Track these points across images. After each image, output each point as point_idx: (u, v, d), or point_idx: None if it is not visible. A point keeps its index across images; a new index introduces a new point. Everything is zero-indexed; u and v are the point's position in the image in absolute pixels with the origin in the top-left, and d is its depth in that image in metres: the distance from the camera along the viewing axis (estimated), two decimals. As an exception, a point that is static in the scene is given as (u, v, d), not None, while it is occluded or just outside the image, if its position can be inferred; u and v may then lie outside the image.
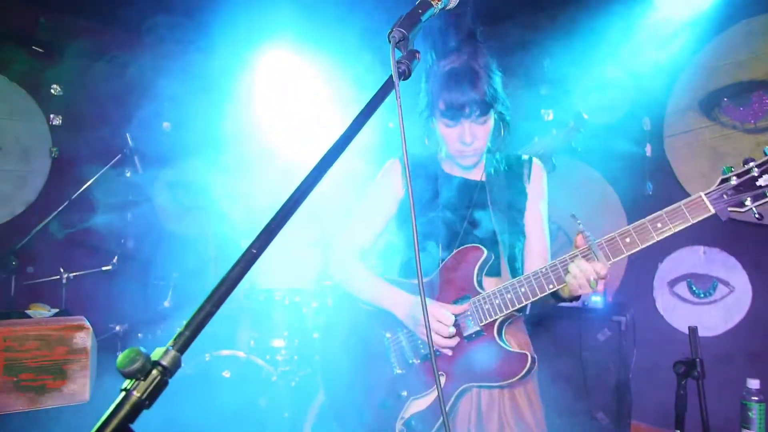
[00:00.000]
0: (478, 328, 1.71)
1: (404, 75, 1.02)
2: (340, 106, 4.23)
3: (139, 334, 3.60)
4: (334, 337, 2.02)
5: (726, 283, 3.51)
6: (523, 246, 1.92)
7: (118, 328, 3.56)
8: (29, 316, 3.34)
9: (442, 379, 1.75)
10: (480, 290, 1.75)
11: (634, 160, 3.83)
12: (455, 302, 1.77)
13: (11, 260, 3.45)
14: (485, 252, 1.78)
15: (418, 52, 1.07)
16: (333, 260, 2.02)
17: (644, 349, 3.49)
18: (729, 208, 1.58)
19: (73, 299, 3.52)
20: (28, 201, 4.27)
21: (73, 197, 3.65)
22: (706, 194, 1.56)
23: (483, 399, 1.78)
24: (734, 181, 1.58)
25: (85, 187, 3.71)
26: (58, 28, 4.33)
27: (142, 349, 0.66)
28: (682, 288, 3.68)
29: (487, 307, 1.70)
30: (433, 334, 1.71)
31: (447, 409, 1.71)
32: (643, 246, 1.57)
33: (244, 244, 0.81)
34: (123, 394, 0.65)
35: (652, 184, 3.81)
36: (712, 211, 1.56)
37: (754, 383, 2.50)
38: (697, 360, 2.14)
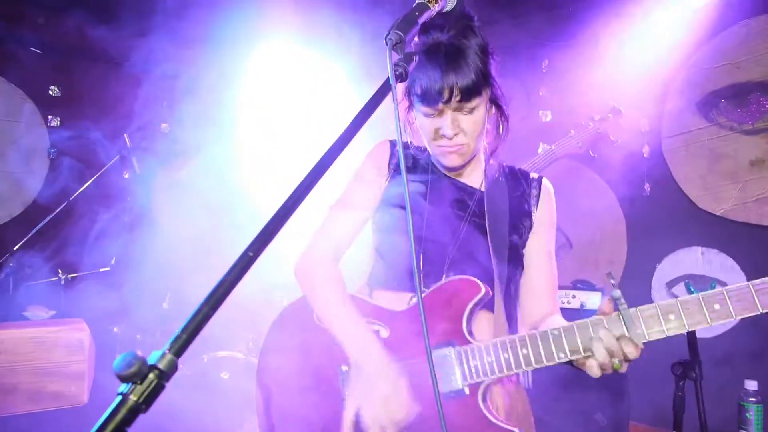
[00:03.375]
0: (460, 387, 1.35)
1: (401, 78, 1.03)
2: (339, 103, 4.23)
3: (138, 336, 3.60)
4: (281, 351, 1.58)
5: (724, 285, 3.50)
6: (518, 280, 1.59)
7: (116, 329, 3.55)
8: (27, 318, 3.34)
9: None
10: (468, 338, 1.39)
11: (631, 161, 3.83)
12: (436, 348, 1.39)
13: (9, 261, 3.45)
14: (482, 289, 1.41)
15: (416, 54, 1.07)
16: (302, 261, 1.61)
17: (642, 350, 3.49)
18: None
19: (71, 301, 3.51)
20: (27, 202, 4.26)
21: (71, 198, 3.65)
22: None
23: None
24: None
25: (83, 188, 3.71)
26: (56, 30, 4.33)
27: (139, 353, 0.66)
28: (680, 289, 3.68)
29: (475, 363, 1.35)
30: (380, 415, 1.33)
31: None
32: (689, 329, 1.22)
33: (243, 245, 0.81)
34: (119, 398, 0.65)
35: (649, 185, 3.81)
36: None
37: (751, 384, 2.51)
38: (695, 361, 2.14)
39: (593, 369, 1.25)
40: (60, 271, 3.53)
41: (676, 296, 3.65)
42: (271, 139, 4.36)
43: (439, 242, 1.53)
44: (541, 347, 1.30)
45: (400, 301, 1.51)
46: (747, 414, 2.46)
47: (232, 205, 3.96)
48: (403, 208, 1.56)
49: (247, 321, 3.64)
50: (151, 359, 0.66)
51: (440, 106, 1.41)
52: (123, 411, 0.64)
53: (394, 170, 1.62)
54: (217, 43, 4.14)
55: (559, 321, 1.46)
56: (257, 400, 1.58)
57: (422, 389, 1.37)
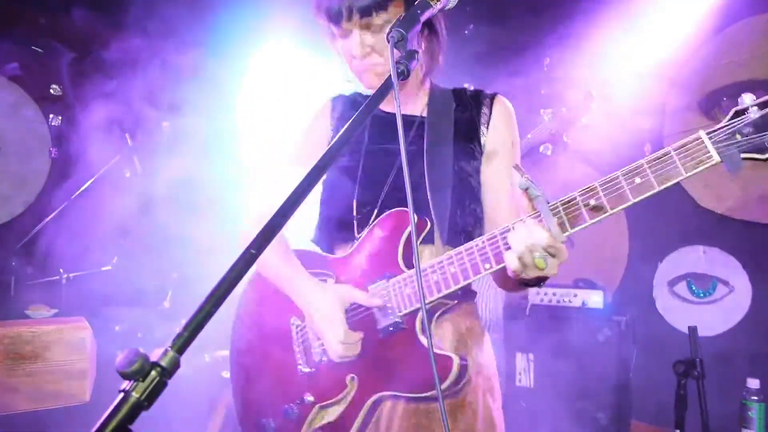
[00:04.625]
0: (397, 320, 1.34)
1: (403, 75, 1.03)
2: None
3: (139, 334, 3.60)
4: (243, 318, 1.62)
5: (726, 283, 3.51)
6: (477, 214, 1.49)
7: (117, 328, 3.55)
8: (29, 317, 3.35)
9: (354, 384, 1.38)
10: (403, 268, 1.37)
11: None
12: (369, 285, 1.39)
13: (11, 261, 3.46)
14: (414, 220, 1.39)
15: (417, 52, 1.07)
16: (244, 227, 1.58)
17: (644, 348, 3.49)
18: (743, 154, 1.01)
19: (73, 300, 3.51)
20: (28, 201, 4.26)
21: (72, 197, 3.65)
22: (708, 134, 1.04)
23: (402, 415, 1.39)
24: (754, 114, 1.01)
25: (84, 187, 3.71)
26: (58, 29, 4.33)
27: (141, 350, 0.66)
28: (681, 288, 3.68)
29: (407, 291, 1.32)
30: (327, 339, 1.36)
31: (356, 425, 1.37)
32: (613, 211, 1.10)
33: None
34: (122, 395, 0.65)
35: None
36: (716, 159, 1.02)
37: (753, 383, 2.51)
38: (697, 360, 2.14)
39: (511, 261, 1.14)
40: (61, 270, 3.53)
41: (678, 295, 3.61)
42: (273, 138, 4.35)
43: (374, 180, 1.48)
44: (467, 261, 1.25)
45: (344, 249, 1.52)
46: (749, 413, 2.46)
47: (234, 203, 3.96)
48: (345, 157, 1.53)
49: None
50: (153, 357, 0.67)
51: (344, 25, 1.36)
52: (125, 408, 0.64)
53: (337, 122, 1.59)
54: (221, 44, 4.14)
55: None
56: (231, 369, 1.62)
57: (361, 333, 1.38)
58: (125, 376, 0.65)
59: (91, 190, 3.76)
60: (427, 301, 1.30)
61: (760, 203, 3.32)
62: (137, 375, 0.64)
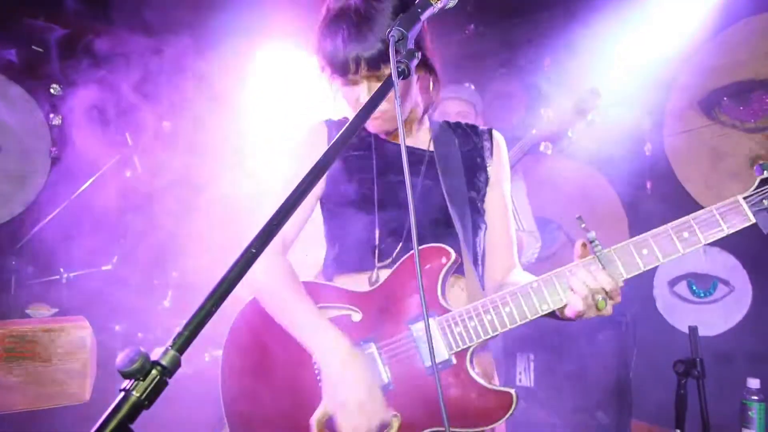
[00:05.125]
0: (447, 356, 1.32)
1: (403, 74, 1.02)
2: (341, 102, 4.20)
3: (139, 334, 3.60)
4: (244, 356, 1.48)
5: (726, 283, 3.51)
6: (483, 236, 1.55)
7: (117, 328, 3.55)
8: (29, 316, 3.35)
9: (395, 422, 1.33)
10: (446, 306, 1.35)
11: (633, 159, 3.83)
12: (411, 323, 1.35)
13: (11, 260, 3.46)
14: (452, 255, 1.36)
15: (418, 50, 1.07)
16: (256, 277, 1.45)
17: (644, 348, 3.48)
18: None
19: (73, 299, 3.52)
20: (28, 201, 4.27)
21: (72, 197, 3.65)
22: (744, 198, 1.24)
23: None
24: None
25: (84, 187, 3.71)
26: (58, 28, 4.32)
27: (142, 349, 0.66)
28: (682, 287, 3.67)
29: (458, 330, 1.31)
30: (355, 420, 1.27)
31: None
32: (664, 261, 1.24)
33: (246, 242, 0.80)
34: (122, 394, 0.65)
35: (651, 183, 3.80)
36: (752, 219, 1.21)
37: (754, 383, 2.50)
38: (698, 359, 2.14)
39: (577, 304, 1.22)
40: (62, 270, 3.53)
41: (678, 295, 3.63)
42: (273, 138, 4.35)
43: (394, 212, 1.47)
44: (523, 303, 1.28)
45: (360, 282, 1.46)
46: (750, 412, 2.46)
47: (234, 203, 3.96)
48: (350, 186, 1.50)
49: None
50: (154, 355, 0.66)
51: (350, 77, 1.35)
52: (126, 407, 0.64)
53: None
54: (221, 44, 4.14)
55: (524, 275, 1.50)
56: (224, 405, 1.49)
57: (403, 369, 1.35)
58: (126, 375, 0.64)
59: (91, 189, 3.76)
60: (482, 339, 1.32)
61: (761, 203, 3.32)
62: (138, 374, 0.64)
